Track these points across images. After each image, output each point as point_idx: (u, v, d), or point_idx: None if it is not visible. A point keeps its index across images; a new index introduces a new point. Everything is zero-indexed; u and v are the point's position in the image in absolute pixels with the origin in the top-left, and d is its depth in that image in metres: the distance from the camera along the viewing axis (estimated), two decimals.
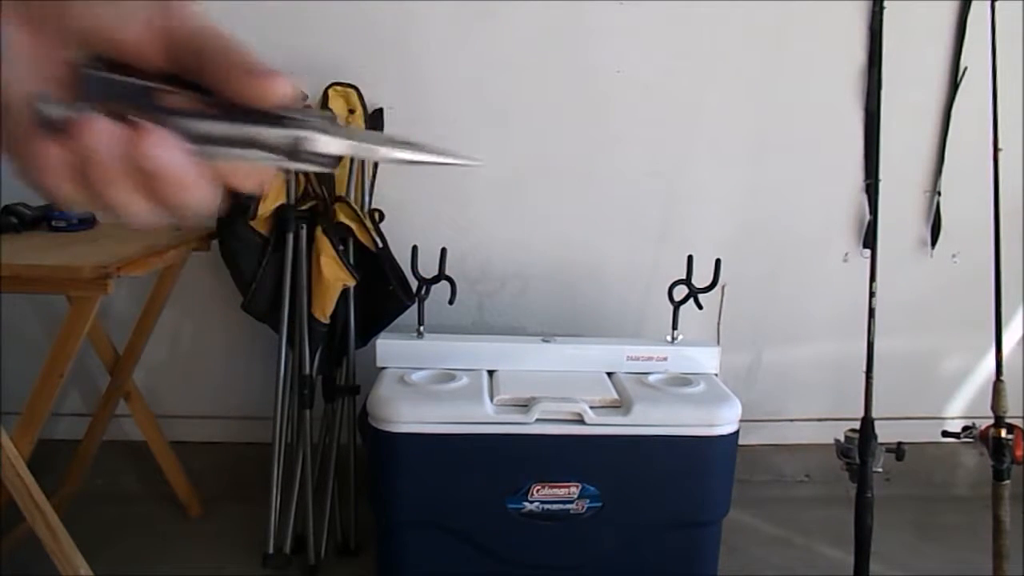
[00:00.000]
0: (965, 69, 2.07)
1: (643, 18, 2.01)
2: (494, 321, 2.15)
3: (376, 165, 1.98)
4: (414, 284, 1.85)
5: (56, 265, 1.39)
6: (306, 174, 1.84)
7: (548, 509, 1.61)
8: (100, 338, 1.89)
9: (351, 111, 1.89)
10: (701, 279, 1.83)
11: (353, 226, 1.85)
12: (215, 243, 1.86)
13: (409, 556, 1.65)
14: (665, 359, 1.81)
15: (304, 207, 1.85)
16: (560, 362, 1.81)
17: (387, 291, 1.88)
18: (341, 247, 1.82)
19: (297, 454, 1.85)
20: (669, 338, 1.85)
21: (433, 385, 1.67)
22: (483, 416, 1.58)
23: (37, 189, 0.32)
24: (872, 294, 1.64)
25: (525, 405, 1.60)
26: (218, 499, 2.08)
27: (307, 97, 1.88)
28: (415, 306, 1.85)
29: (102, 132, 0.30)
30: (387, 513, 1.65)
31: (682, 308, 1.85)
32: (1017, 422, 1.59)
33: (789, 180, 2.14)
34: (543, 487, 1.60)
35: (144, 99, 0.33)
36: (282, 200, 1.83)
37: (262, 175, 0.35)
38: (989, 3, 1.66)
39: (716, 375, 1.81)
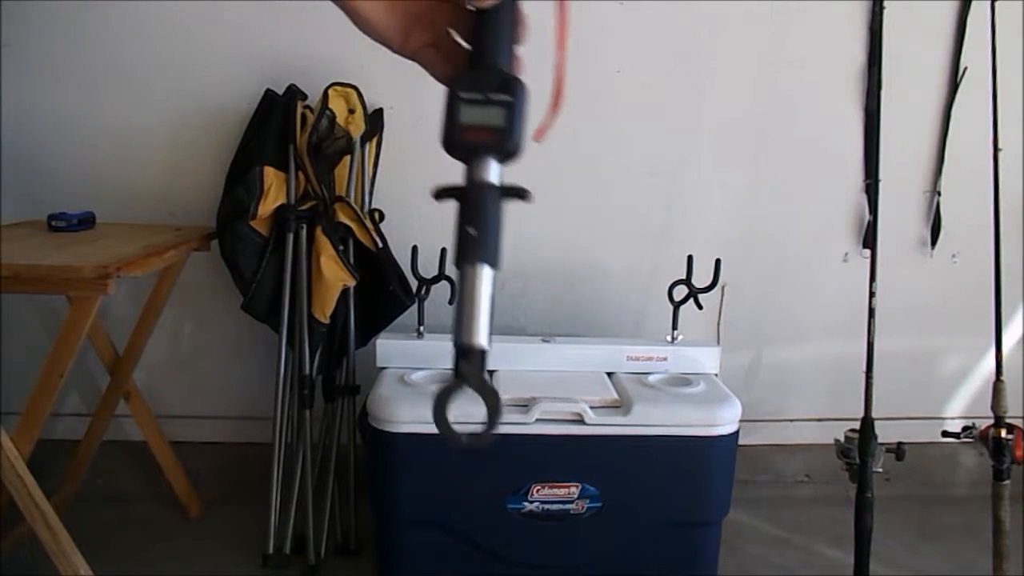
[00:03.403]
0: (965, 69, 2.07)
1: (643, 18, 2.01)
2: (494, 321, 2.15)
3: (376, 165, 1.98)
4: (414, 284, 1.85)
5: (56, 265, 1.39)
6: (306, 174, 1.84)
7: (548, 509, 1.61)
8: (100, 338, 1.89)
9: (351, 111, 1.89)
10: (701, 279, 1.83)
11: (353, 226, 1.85)
12: (215, 243, 1.86)
13: (409, 556, 1.65)
14: (665, 359, 1.82)
15: (304, 207, 1.85)
16: (560, 362, 1.81)
17: (387, 291, 1.88)
18: (341, 247, 1.82)
19: (297, 454, 1.85)
20: (669, 338, 1.85)
21: (433, 385, 1.67)
22: (483, 416, 1.57)
23: None
24: (872, 294, 1.64)
25: (525, 405, 1.60)
26: (218, 499, 2.08)
27: (307, 97, 1.88)
28: (415, 306, 1.85)
29: None
30: (387, 513, 1.65)
31: (682, 308, 1.85)
32: (1017, 422, 1.59)
33: (789, 180, 2.14)
34: (543, 487, 1.60)
35: None
36: (282, 200, 1.83)
37: None
38: (989, 3, 1.66)
39: (716, 375, 1.81)
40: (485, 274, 0.52)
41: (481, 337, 0.53)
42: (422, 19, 0.60)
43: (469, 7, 0.56)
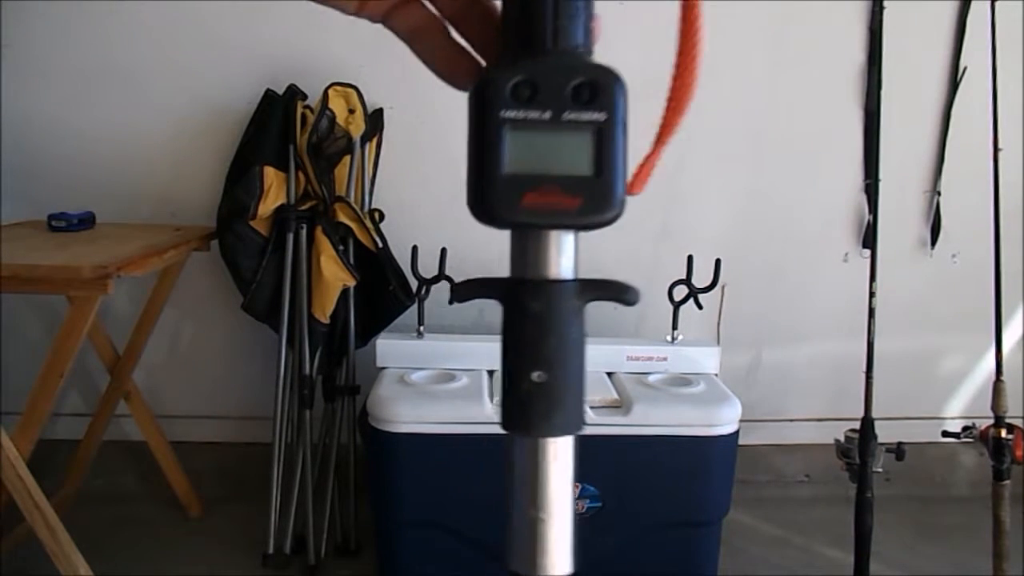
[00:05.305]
0: (965, 69, 2.07)
1: (643, 18, 2.01)
2: (494, 321, 2.14)
3: (376, 165, 1.98)
4: (414, 284, 1.85)
5: (56, 265, 1.39)
6: (306, 174, 1.84)
7: None
8: (100, 338, 1.89)
9: (351, 111, 1.89)
10: (701, 279, 1.83)
11: (353, 226, 1.85)
12: (215, 243, 1.86)
13: (409, 556, 1.65)
14: (665, 359, 1.81)
15: (304, 207, 1.85)
16: None
17: (387, 291, 1.89)
18: (341, 247, 1.82)
19: (297, 454, 1.85)
20: (669, 338, 1.85)
21: (433, 385, 1.67)
22: (483, 416, 1.58)
23: None
24: (872, 294, 1.64)
25: None
26: (218, 499, 2.08)
27: (307, 97, 1.88)
28: (415, 306, 1.85)
29: None
30: (387, 513, 1.65)
31: (682, 308, 1.85)
32: (1017, 422, 1.59)
33: (789, 180, 2.14)
34: None
35: None
36: (282, 200, 1.83)
37: None
38: (989, 3, 1.66)
39: (716, 375, 1.81)
40: (562, 450, 0.28)
41: (563, 563, 0.30)
42: None
43: None
